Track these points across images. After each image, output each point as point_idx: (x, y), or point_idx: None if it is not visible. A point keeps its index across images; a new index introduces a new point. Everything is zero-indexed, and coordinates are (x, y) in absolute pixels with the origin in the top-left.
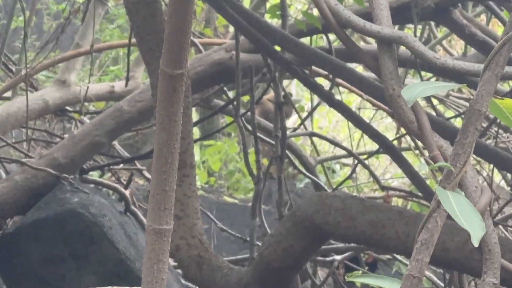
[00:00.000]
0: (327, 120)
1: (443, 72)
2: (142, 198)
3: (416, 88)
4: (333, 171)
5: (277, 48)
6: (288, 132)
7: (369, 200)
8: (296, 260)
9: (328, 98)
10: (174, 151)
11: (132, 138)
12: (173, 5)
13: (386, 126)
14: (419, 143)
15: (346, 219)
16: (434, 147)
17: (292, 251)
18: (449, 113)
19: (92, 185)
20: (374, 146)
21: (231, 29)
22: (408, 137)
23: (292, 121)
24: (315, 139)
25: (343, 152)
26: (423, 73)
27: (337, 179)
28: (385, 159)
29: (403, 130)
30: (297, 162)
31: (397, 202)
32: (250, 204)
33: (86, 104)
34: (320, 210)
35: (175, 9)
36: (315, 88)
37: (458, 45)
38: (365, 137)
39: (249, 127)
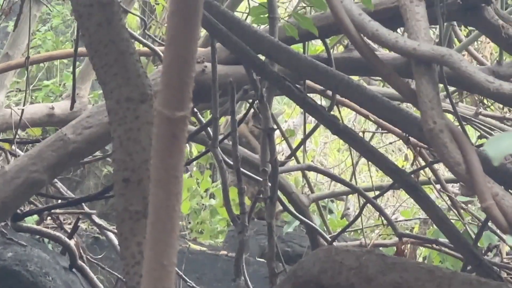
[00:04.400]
0: (313, 142)
1: (497, 99)
2: (86, 247)
3: (504, 141)
4: (330, 211)
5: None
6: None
7: (391, 256)
8: None
9: (331, 123)
10: (175, 215)
11: (70, 171)
12: (173, 29)
13: (386, 149)
14: (442, 176)
15: (362, 281)
16: (488, 195)
17: None
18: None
19: (28, 235)
20: (372, 179)
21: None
22: (428, 170)
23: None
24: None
25: (343, 188)
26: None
27: (331, 218)
28: (389, 194)
29: (421, 161)
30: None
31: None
32: (221, 252)
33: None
34: (329, 269)
35: (176, 32)
36: (315, 111)
37: (487, 48)
38: (363, 168)
39: (229, 160)
